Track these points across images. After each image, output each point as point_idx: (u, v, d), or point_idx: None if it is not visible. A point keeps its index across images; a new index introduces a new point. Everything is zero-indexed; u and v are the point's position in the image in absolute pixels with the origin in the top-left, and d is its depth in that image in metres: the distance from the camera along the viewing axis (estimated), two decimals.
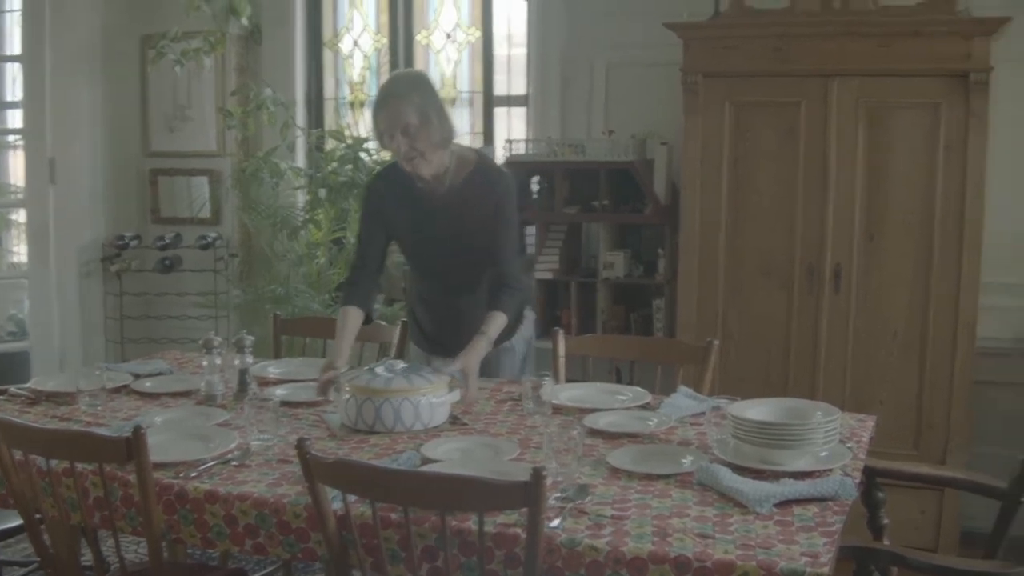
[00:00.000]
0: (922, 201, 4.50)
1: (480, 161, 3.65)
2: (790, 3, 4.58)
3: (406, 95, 3.40)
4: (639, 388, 3.48)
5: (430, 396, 3.07)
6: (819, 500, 2.43)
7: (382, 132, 3.43)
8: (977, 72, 4.36)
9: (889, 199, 4.53)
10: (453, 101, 6.10)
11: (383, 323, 4.23)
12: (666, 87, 4.92)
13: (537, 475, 2.07)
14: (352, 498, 2.35)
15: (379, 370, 3.13)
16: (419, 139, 3.39)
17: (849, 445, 2.85)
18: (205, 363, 3.45)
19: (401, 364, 3.19)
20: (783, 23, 4.56)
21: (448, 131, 3.48)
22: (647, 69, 5.28)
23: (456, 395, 3.16)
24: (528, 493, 2.08)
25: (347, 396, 3.07)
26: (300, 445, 2.31)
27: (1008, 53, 4.56)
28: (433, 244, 3.66)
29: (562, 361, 3.82)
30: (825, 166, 4.57)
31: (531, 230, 5.42)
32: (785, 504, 2.40)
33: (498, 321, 3.48)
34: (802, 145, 4.59)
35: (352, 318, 3.61)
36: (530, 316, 3.90)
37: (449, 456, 2.76)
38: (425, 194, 3.58)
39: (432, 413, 3.07)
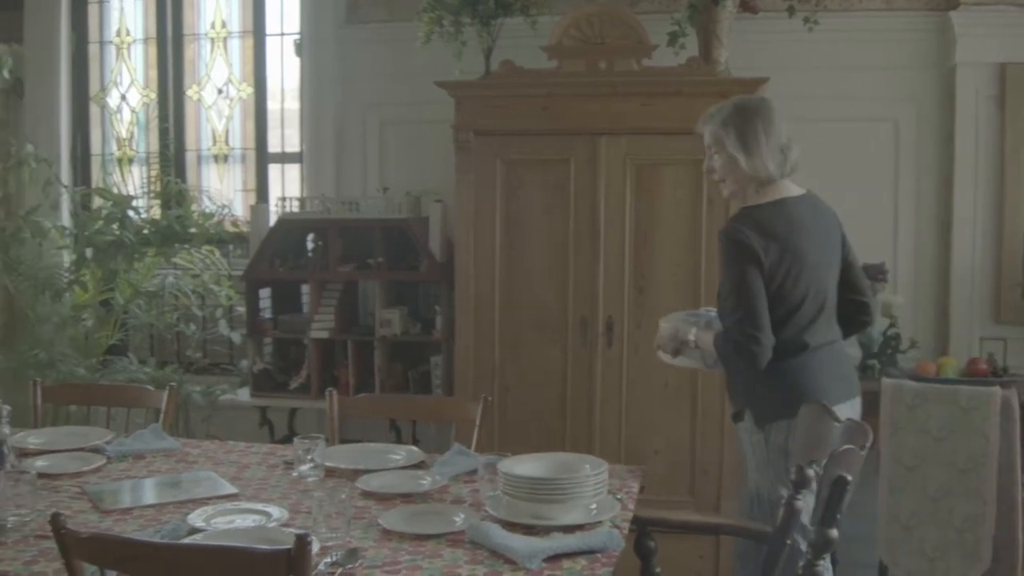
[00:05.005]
0: (688, 254, 4.63)
1: None
2: (557, 64, 4.69)
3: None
4: (413, 447, 3.48)
5: None
6: (588, 553, 2.46)
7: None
8: None
9: (656, 252, 4.66)
10: (225, 158, 6.00)
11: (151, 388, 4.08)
12: (439, 145, 4.94)
13: (300, 542, 2.02)
14: (112, 574, 2.25)
15: None
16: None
17: (619, 496, 2.91)
18: None
19: None
20: (551, 83, 4.66)
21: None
22: (420, 126, 5.31)
23: None
24: (291, 561, 2.03)
25: None
26: (54, 520, 2.20)
27: None
28: None
29: (336, 422, 3.76)
30: (595, 222, 4.67)
31: (305, 288, 5.36)
32: (555, 558, 2.43)
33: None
34: (572, 202, 4.68)
35: None
36: None
37: (215, 525, 2.68)
38: None
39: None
